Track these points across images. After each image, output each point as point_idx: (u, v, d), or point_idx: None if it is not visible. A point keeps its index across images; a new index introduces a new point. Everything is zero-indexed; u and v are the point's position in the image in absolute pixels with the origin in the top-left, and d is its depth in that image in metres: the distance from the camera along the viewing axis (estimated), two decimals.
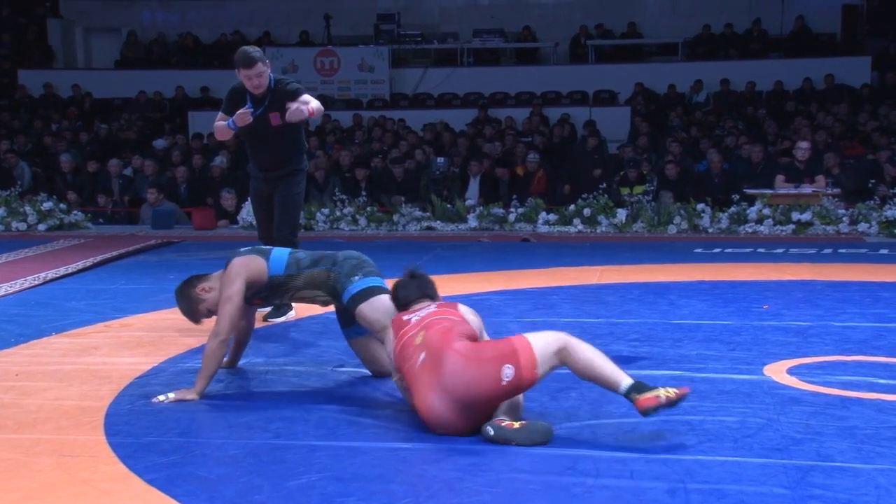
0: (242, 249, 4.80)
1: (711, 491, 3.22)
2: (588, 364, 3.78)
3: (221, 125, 6.09)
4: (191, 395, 4.41)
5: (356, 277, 4.60)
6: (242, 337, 4.94)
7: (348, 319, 4.76)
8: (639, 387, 3.74)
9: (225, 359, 4.75)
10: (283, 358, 5.21)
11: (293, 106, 5.63)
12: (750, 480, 3.30)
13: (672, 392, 3.73)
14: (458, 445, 3.71)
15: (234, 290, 4.53)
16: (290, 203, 6.18)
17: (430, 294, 4.39)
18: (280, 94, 5.93)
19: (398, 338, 4.09)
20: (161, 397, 4.39)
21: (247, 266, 4.61)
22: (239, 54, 5.88)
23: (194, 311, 4.75)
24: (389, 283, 4.58)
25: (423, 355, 3.88)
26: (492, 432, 3.70)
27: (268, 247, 4.91)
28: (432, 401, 3.78)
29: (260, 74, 5.83)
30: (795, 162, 11.46)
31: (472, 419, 3.79)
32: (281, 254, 4.73)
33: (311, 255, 4.75)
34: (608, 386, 3.80)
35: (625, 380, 3.76)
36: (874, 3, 19.55)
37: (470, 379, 3.74)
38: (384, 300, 4.50)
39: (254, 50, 5.91)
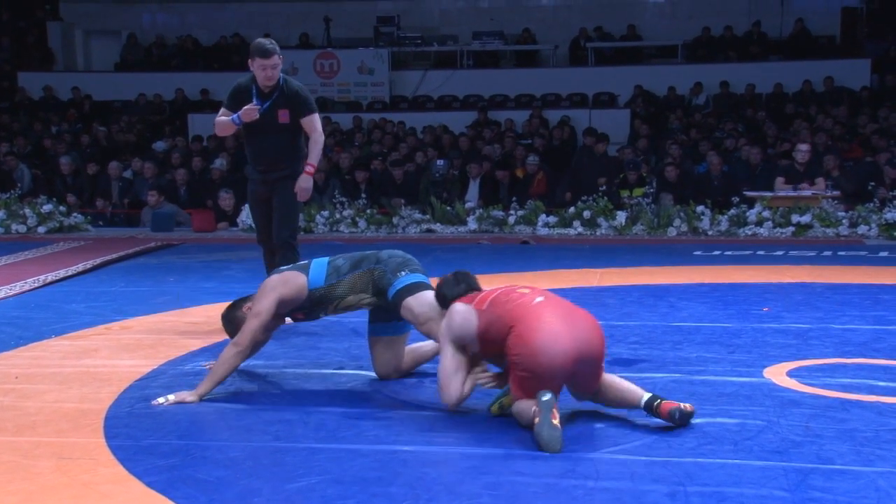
0: (283, 268, 4.82)
1: (711, 494, 3.22)
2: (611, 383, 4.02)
3: (224, 120, 6.09)
4: (191, 397, 4.39)
5: (402, 273, 4.59)
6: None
7: (382, 315, 4.74)
8: (656, 397, 3.93)
9: None
10: (283, 360, 5.20)
11: (300, 187, 6.03)
12: (750, 483, 3.30)
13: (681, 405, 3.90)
14: (459, 449, 3.72)
15: (265, 306, 4.52)
16: (288, 206, 6.16)
17: (476, 287, 4.33)
18: (289, 94, 6.01)
19: (481, 298, 4.06)
20: (161, 399, 4.39)
21: (284, 282, 4.60)
22: (256, 44, 5.98)
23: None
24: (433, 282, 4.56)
25: (539, 298, 3.93)
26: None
27: (307, 261, 4.81)
28: (559, 330, 3.76)
29: (275, 66, 5.92)
30: (795, 164, 11.46)
31: (572, 376, 3.85)
32: (320, 265, 4.69)
33: (350, 258, 4.71)
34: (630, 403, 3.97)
35: (645, 394, 3.95)
36: (873, 5, 19.56)
37: (599, 339, 3.89)
38: (430, 295, 4.49)
39: (270, 42, 6.01)
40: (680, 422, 3.85)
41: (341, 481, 3.40)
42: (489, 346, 3.98)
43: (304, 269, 4.68)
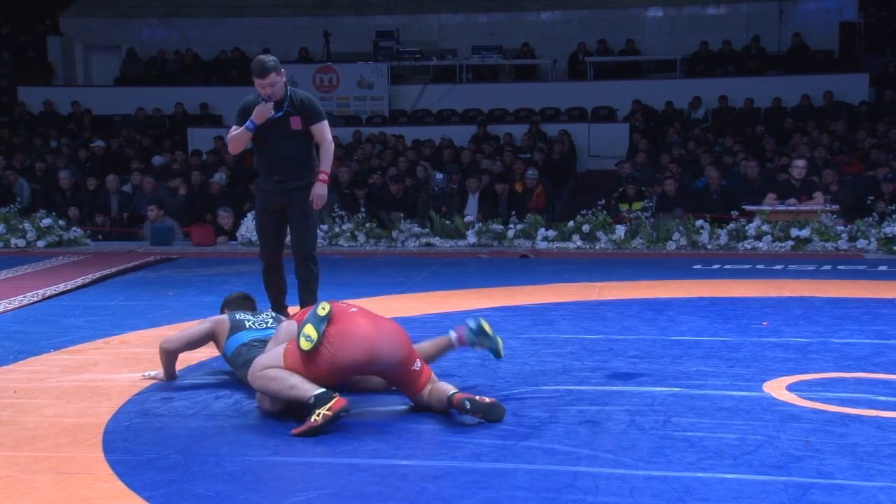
0: (239, 315, 5.16)
1: None
2: None
3: (237, 133, 6.08)
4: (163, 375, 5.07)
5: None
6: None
7: None
8: (456, 391, 4.27)
9: None
10: None
11: (315, 194, 6.10)
12: (750, 498, 3.30)
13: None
14: (458, 463, 3.71)
15: (199, 325, 5.14)
16: (308, 218, 6.20)
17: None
18: (298, 103, 6.08)
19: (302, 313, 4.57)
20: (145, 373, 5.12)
21: (221, 322, 5.08)
22: (254, 63, 5.96)
23: None
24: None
25: (353, 308, 4.40)
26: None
27: (243, 322, 5.06)
28: (366, 329, 4.24)
29: (273, 84, 5.90)
30: (792, 179, 11.47)
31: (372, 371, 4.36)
32: (238, 339, 4.96)
33: (248, 352, 4.86)
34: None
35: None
36: (871, 20, 19.63)
37: (401, 343, 4.31)
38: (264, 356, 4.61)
39: (269, 59, 5.96)
40: (473, 412, 4.13)
41: (340, 496, 3.39)
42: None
43: (234, 329, 5.01)
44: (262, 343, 4.89)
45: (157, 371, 5.13)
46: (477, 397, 4.18)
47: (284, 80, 6.05)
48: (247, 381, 4.75)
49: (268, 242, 6.31)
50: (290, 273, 6.26)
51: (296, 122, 6.06)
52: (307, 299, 6.12)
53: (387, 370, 4.33)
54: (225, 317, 5.10)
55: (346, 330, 4.23)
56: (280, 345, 4.40)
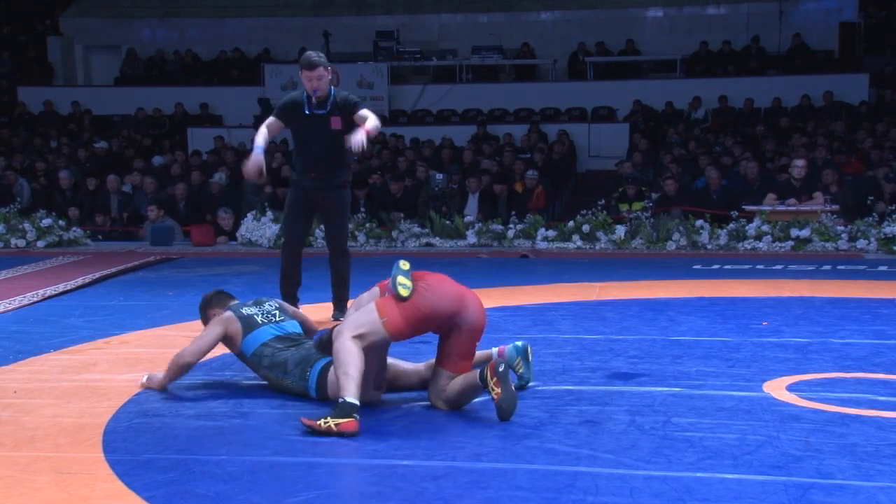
0: (247, 307, 5.02)
1: None
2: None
3: (258, 140, 6.38)
4: (157, 384, 4.87)
5: (308, 371, 4.66)
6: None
7: None
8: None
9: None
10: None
11: (352, 140, 6.02)
12: (750, 498, 3.30)
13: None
14: (458, 463, 3.71)
15: (207, 329, 4.96)
16: (343, 215, 6.70)
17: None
18: (340, 102, 6.40)
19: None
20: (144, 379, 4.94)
21: (228, 321, 4.91)
22: (304, 57, 6.37)
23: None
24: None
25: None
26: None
27: (255, 321, 4.92)
28: (456, 284, 4.46)
29: (320, 77, 6.28)
30: (792, 180, 11.47)
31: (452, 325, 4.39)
32: (255, 340, 4.84)
33: (272, 354, 4.76)
34: None
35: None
36: (871, 20, 19.63)
37: (483, 313, 4.49)
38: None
39: (317, 55, 6.40)
40: (502, 376, 4.18)
41: (340, 496, 3.39)
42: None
43: (246, 328, 4.86)
44: (284, 341, 4.82)
45: (153, 375, 4.94)
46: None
47: (331, 77, 6.38)
48: (273, 385, 4.77)
49: (296, 236, 6.72)
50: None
51: (336, 122, 6.40)
52: (340, 292, 6.60)
53: (466, 326, 4.37)
54: (230, 314, 4.92)
55: (438, 280, 4.45)
56: (368, 304, 4.44)
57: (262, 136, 6.39)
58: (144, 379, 4.97)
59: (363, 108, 6.37)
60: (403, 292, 4.32)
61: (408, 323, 4.30)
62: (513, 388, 4.20)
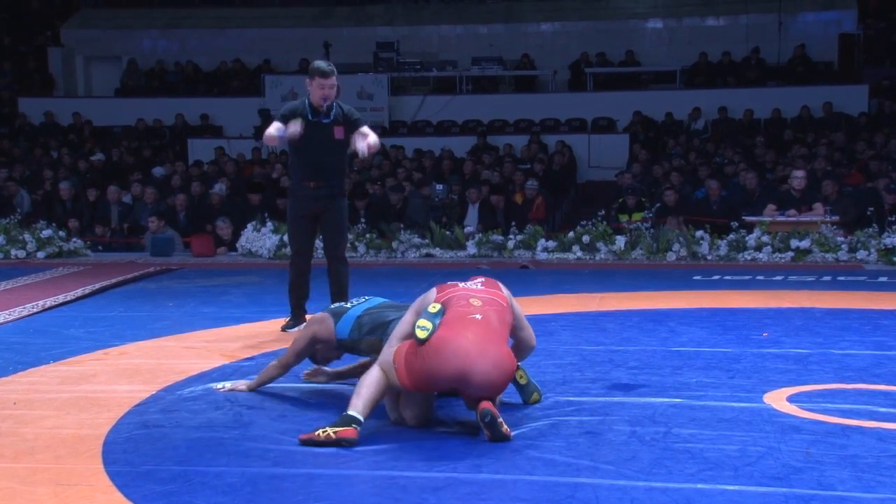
0: (332, 306, 5.14)
1: None
2: None
3: (272, 133, 6.46)
4: (243, 386, 5.03)
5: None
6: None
7: None
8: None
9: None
10: (280, 385, 5.18)
11: (358, 146, 6.36)
12: None
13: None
14: (458, 474, 3.70)
15: (300, 336, 5.01)
16: (343, 224, 6.84)
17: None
18: (345, 115, 6.57)
19: (444, 289, 4.51)
20: (219, 385, 5.07)
21: (321, 321, 4.94)
22: (316, 65, 6.56)
23: None
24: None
25: (478, 315, 4.30)
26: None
27: (342, 307, 5.03)
28: (468, 348, 4.10)
29: (332, 86, 6.49)
30: (792, 190, 11.48)
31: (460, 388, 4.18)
32: (349, 318, 4.87)
33: (372, 319, 4.82)
34: None
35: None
36: (870, 32, 19.67)
37: (500, 380, 4.17)
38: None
39: (328, 64, 6.63)
40: (487, 426, 4.06)
41: None
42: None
43: (337, 316, 4.92)
44: (379, 309, 4.88)
45: (237, 382, 5.13)
46: (500, 419, 4.07)
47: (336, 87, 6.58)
48: (374, 352, 4.71)
49: (303, 248, 6.85)
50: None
51: (339, 132, 6.58)
52: (338, 299, 6.54)
53: (475, 393, 4.14)
54: (321, 313, 5.03)
55: (447, 339, 4.16)
56: (411, 322, 4.41)
57: (276, 123, 6.51)
58: (228, 385, 5.11)
59: (365, 126, 6.61)
60: (421, 335, 4.19)
61: (410, 378, 4.18)
62: (502, 430, 4.04)
